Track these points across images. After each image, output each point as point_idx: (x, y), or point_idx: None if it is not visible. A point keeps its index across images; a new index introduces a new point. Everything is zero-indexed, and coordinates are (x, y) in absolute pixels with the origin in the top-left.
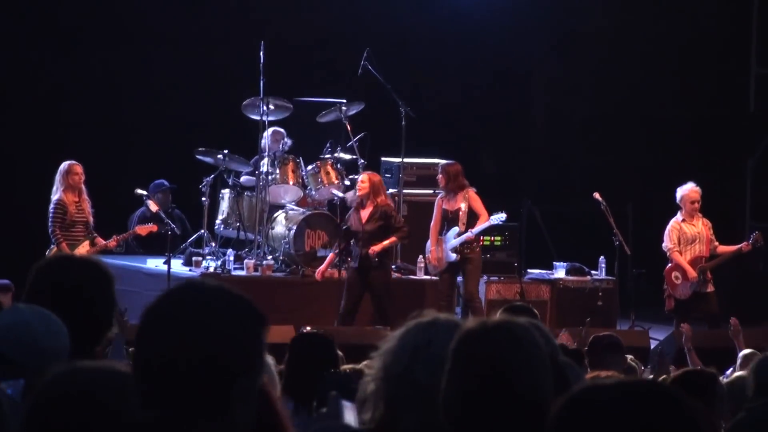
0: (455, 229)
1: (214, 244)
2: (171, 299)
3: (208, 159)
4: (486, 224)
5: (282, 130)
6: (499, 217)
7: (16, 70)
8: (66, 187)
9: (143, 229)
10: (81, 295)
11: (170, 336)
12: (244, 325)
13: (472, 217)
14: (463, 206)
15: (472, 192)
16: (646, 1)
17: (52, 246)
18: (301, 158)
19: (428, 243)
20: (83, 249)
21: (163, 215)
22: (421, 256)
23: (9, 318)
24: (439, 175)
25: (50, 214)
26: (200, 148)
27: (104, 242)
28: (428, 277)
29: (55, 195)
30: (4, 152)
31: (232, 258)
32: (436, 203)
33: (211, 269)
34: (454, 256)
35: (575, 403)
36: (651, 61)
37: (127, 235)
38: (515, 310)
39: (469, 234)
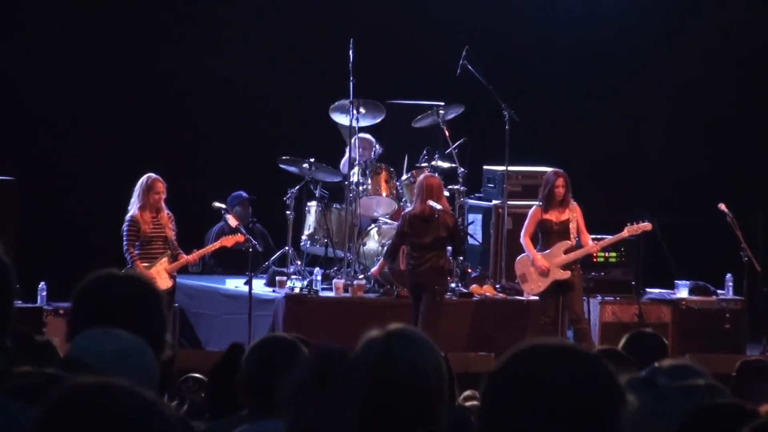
0: (564, 244)
1: (299, 262)
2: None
3: (292, 168)
4: (620, 235)
5: (370, 137)
6: (643, 228)
7: (78, 74)
8: (143, 205)
9: (229, 240)
10: (125, 314)
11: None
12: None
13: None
14: (572, 218)
15: (576, 205)
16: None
17: (128, 266)
18: (394, 167)
19: (520, 259)
20: (161, 266)
21: (244, 230)
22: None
23: (115, 344)
24: (556, 184)
25: (123, 233)
26: (284, 157)
27: (186, 257)
28: (534, 297)
29: (130, 211)
30: (80, 163)
31: (319, 277)
32: (531, 213)
33: (297, 290)
34: (563, 273)
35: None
36: None
37: (211, 248)
38: (641, 337)
39: (594, 246)
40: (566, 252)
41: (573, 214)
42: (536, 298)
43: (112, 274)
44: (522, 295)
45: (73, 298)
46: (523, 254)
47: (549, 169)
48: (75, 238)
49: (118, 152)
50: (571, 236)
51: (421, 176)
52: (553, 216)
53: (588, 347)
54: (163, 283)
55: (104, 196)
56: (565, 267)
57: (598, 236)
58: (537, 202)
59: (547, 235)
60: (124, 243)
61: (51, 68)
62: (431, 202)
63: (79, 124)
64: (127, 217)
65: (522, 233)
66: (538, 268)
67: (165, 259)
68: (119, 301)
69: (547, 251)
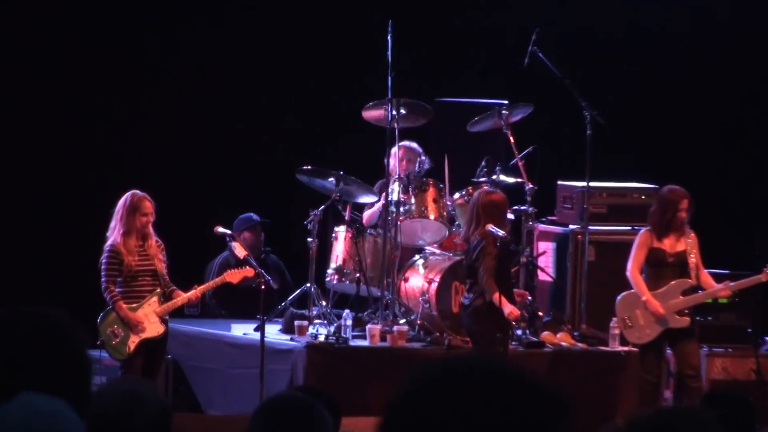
0: (683, 283)
1: (324, 303)
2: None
3: (315, 183)
4: (757, 278)
5: (415, 145)
6: None
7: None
8: (128, 230)
9: (235, 275)
10: (33, 371)
11: None
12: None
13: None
14: (689, 250)
15: (693, 233)
16: None
17: (108, 308)
18: (444, 183)
19: (625, 297)
20: (150, 307)
21: (253, 262)
22: (615, 320)
23: (22, 414)
24: (680, 207)
25: (102, 266)
26: (304, 167)
27: (185, 295)
28: (625, 348)
29: (110, 238)
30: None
31: (349, 322)
32: (640, 239)
33: (321, 338)
34: (681, 319)
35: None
36: None
37: (213, 284)
38: (721, 399)
39: (724, 288)
40: (685, 293)
41: (690, 245)
42: (627, 349)
43: (6, 316)
44: (608, 345)
45: None
46: (628, 291)
47: (642, 185)
48: (35, 274)
49: (94, 165)
50: (690, 272)
51: (477, 193)
52: (666, 245)
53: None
54: (153, 328)
55: (76, 221)
56: (681, 311)
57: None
58: (645, 227)
59: (658, 269)
60: (103, 279)
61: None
62: (491, 227)
63: (43, 127)
64: (107, 246)
65: (629, 265)
66: (652, 311)
67: (155, 299)
68: (22, 354)
69: (661, 290)
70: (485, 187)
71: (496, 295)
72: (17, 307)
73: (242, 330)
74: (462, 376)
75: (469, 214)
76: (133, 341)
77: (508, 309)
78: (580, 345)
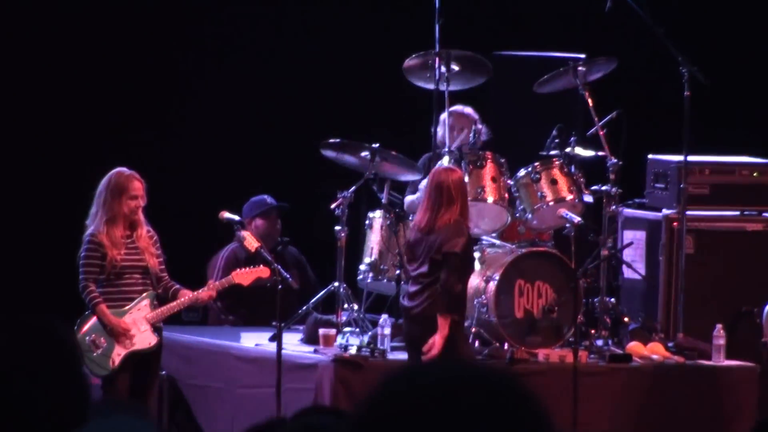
0: None
1: (356, 307)
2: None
3: (345, 158)
4: None
5: (470, 110)
6: None
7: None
8: (112, 217)
9: (245, 275)
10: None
11: None
12: None
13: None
14: None
15: None
16: None
17: (87, 313)
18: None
19: None
20: (140, 313)
21: (268, 256)
22: (719, 327)
23: None
24: None
25: (80, 261)
26: (331, 140)
27: (194, 294)
28: (733, 362)
29: (90, 227)
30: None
31: (387, 330)
32: None
33: (353, 350)
34: None
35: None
36: None
37: (220, 286)
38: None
39: None
40: None
41: None
42: (736, 363)
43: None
44: (710, 358)
45: None
46: None
47: (753, 160)
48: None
49: (74, 140)
50: None
51: (437, 172)
52: None
53: None
54: (143, 339)
55: (52, 205)
56: None
57: None
58: None
59: None
60: (81, 277)
61: None
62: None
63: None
64: (86, 236)
65: None
66: None
67: (146, 302)
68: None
69: None
70: (555, 162)
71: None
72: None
73: (254, 340)
74: (433, 387)
75: (435, 196)
76: (119, 354)
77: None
78: (675, 358)
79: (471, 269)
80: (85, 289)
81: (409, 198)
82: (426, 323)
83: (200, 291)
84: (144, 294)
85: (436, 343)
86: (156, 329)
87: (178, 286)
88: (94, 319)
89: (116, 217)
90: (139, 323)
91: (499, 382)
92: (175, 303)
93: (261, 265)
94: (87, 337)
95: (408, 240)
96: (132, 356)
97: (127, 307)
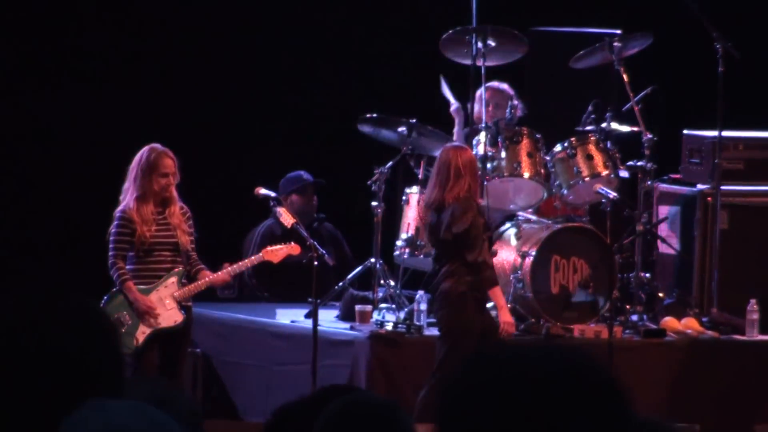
0: None
1: (392, 283)
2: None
3: (382, 134)
4: None
5: (506, 86)
6: None
7: None
8: (143, 194)
9: (274, 254)
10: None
11: None
12: None
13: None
14: None
15: None
16: None
17: (115, 288)
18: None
19: None
20: (167, 291)
21: (304, 232)
22: (753, 302)
23: (98, 423)
24: None
25: (110, 236)
26: (367, 115)
27: (211, 275)
28: (764, 336)
29: (122, 202)
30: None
31: (424, 306)
32: None
33: (389, 326)
34: None
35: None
36: None
37: (247, 264)
38: None
39: None
40: None
41: None
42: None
43: (37, 303)
44: (744, 333)
45: None
46: None
47: None
48: (27, 245)
49: (112, 116)
50: None
51: (446, 150)
52: None
53: None
54: (169, 317)
55: (85, 183)
56: None
57: None
58: None
59: None
60: (110, 254)
61: None
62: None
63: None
64: (117, 211)
65: None
66: None
67: (173, 279)
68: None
69: None
70: (592, 138)
71: (497, 292)
72: (42, 291)
73: (290, 317)
74: (520, 370)
75: (443, 173)
76: (143, 332)
77: (507, 318)
78: (710, 333)
79: (484, 239)
80: (113, 266)
81: None
82: (440, 299)
83: (216, 274)
84: (172, 271)
85: (503, 318)
86: (183, 307)
87: (201, 266)
88: (121, 296)
89: (147, 194)
90: (166, 301)
91: (579, 359)
92: (194, 285)
93: (292, 242)
94: (114, 314)
95: (428, 223)
96: (157, 334)
97: (154, 285)
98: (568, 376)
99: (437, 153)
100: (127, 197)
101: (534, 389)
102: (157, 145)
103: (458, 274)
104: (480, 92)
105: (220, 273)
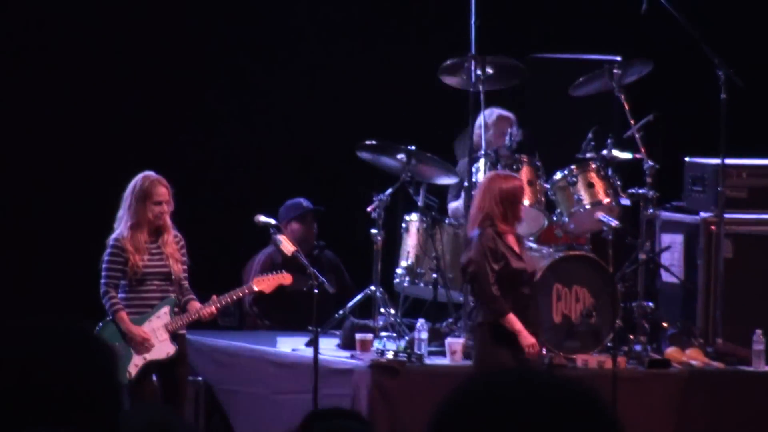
0: None
1: (393, 311)
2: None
3: (381, 161)
4: None
5: (507, 113)
6: None
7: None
8: (137, 222)
9: (265, 282)
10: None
11: None
12: None
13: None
14: None
15: None
16: None
17: (108, 319)
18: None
19: None
20: (160, 321)
21: (304, 259)
22: (759, 332)
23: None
24: None
25: (103, 263)
26: (367, 142)
27: (198, 307)
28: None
29: (116, 230)
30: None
31: (425, 335)
32: None
33: (390, 355)
34: None
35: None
36: None
37: (237, 294)
38: None
39: None
40: None
41: None
42: None
43: (33, 329)
44: (750, 364)
45: None
46: None
47: None
48: (21, 275)
49: (107, 142)
50: None
51: (490, 177)
52: None
53: None
54: (161, 349)
55: (78, 209)
56: None
57: None
58: None
59: None
60: (102, 282)
61: None
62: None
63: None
64: (110, 239)
65: None
66: None
67: (166, 309)
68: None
69: None
70: (592, 166)
71: (510, 319)
72: (35, 316)
73: (291, 345)
74: (508, 394)
75: (480, 199)
76: (136, 364)
77: (528, 340)
78: (714, 364)
79: (487, 272)
80: (105, 295)
81: (453, 204)
82: (471, 332)
83: (203, 307)
84: (165, 301)
85: (526, 341)
86: (176, 337)
87: (191, 296)
88: (113, 327)
89: (141, 223)
90: (159, 332)
91: (572, 393)
92: (186, 315)
93: (284, 271)
94: None
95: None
96: (150, 366)
97: (146, 314)
98: (558, 409)
99: (436, 180)
100: (121, 225)
101: (521, 415)
102: (151, 173)
103: (477, 305)
104: (480, 120)
105: (206, 307)
